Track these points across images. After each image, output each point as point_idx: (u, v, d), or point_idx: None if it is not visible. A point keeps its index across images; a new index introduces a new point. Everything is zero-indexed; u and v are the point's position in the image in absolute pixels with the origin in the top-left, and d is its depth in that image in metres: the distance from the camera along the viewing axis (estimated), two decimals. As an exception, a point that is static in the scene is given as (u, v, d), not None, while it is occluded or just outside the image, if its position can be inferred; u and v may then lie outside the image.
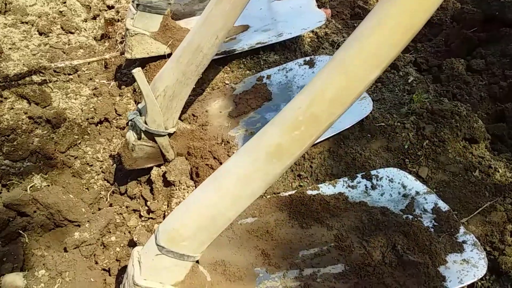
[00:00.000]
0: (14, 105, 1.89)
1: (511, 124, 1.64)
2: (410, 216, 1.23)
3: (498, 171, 1.36)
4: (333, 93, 0.83)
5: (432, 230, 1.18)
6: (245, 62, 1.82)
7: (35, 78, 2.03)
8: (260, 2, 2.12)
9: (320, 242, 1.22)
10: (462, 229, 1.17)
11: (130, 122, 1.48)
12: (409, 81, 1.69)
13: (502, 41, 1.90)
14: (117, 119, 1.97)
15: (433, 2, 0.75)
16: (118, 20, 2.65)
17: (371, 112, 1.49)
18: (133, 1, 1.81)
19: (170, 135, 1.47)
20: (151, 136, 1.43)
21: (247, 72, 1.78)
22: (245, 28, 1.97)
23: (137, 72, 1.29)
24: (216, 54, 1.81)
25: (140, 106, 1.45)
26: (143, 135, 1.44)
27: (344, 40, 1.99)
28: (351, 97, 0.84)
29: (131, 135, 1.45)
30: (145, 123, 1.40)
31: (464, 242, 1.13)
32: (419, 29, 0.79)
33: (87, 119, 1.95)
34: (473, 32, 2.00)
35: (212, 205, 0.95)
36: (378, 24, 0.78)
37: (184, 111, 1.69)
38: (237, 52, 1.79)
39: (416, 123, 1.45)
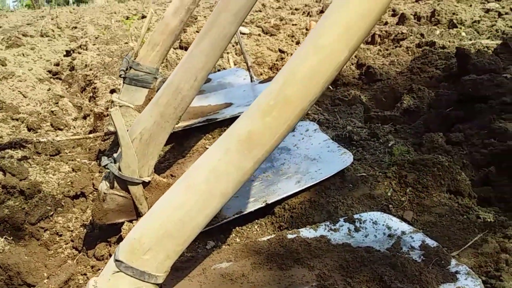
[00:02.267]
0: (-12, 175, 1.84)
1: (497, 187, 1.60)
2: (397, 253, 1.13)
3: (488, 219, 1.29)
4: (305, 73, 0.83)
5: (421, 262, 1.08)
6: (226, 130, 1.83)
7: (15, 154, 2.02)
8: (244, 86, 2.23)
9: (301, 282, 1.10)
10: (453, 261, 1.07)
11: (104, 173, 1.43)
12: (390, 145, 1.70)
13: (479, 116, 1.96)
14: (93, 193, 1.91)
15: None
16: (107, 115, 2.73)
17: (352, 165, 1.47)
18: (120, 75, 1.89)
19: (144, 185, 1.41)
20: (124, 184, 1.38)
21: (228, 138, 1.78)
22: (228, 105, 2.02)
23: (115, 111, 1.29)
24: (198, 122, 1.84)
25: (115, 154, 1.42)
26: (116, 184, 1.38)
27: (325, 118, 2.04)
28: (323, 78, 0.83)
29: (103, 185, 1.40)
30: (119, 169, 1.36)
31: (457, 272, 1.03)
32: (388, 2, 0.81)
33: (63, 192, 1.89)
34: (450, 111, 2.07)
35: (180, 206, 0.88)
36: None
37: (162, 171, 1.65)
38: (219, 119, 1.82)
39: (398, 172, 1.41)
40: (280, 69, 2.88)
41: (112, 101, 1.89)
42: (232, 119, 1.85)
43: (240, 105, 1.98)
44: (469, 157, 1.76)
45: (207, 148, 1.74)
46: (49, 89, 3.36)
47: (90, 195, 1.90)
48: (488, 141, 1.78)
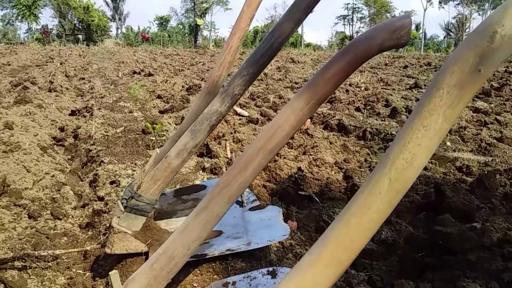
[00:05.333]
0: (-10, 288, 1.98)
1: None
2: None
3: None
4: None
5: None
6: (214, 267, 1.99)
7: (17, 263, 2.15)
8: (235, 211, 2.40)
9: None
10: None
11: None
12: (361, 299, 1.85)
13: (447, 267, 2.13)
14: (84, 312, 2.04)
15: (359, 246, 0.97)
16: (105, 212, 2.89)
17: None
18: (122, 203, 2.06)
19: (133, 335, 1.55)
20: (116, 335, 1.52)
21: (215, 276, 1.94)
22: (219, 233, 2.19)
23: (114, 274, 1.45)
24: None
25: (110, 303, 1.56)
26: (108, 333, 1.52)
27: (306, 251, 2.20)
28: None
29: (96, 332, 1.54)
30: (113, 321, 1.50)
31: None
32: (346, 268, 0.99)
33: (56, 309, 2.01)
34: (422, 257, 2.24)
35: None
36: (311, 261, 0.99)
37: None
38: (208, 257, 1.97)
39: None
40: (272, 171, 3.05)
41: (112, 227, 2.05)
42: (220, 257, 2.02)
43: (229, 236, 2.15)
44: (434, 313, 1.92)
45: (194, 286, 1.89)
46: (52, 176, 3.52)
47: (81, 314, 2.03)
48: (452, 299, 1.94)
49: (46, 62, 15.15)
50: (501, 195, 2.85)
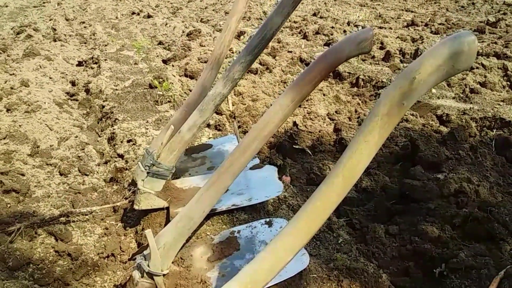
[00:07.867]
0: (44, 240, 2.47)
1: (413, 278, 2.27)
2: None
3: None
4: (265, 269, 1.46)
5: None
6: (222, 219, 2.47)
7: (62, 219, 2.65)
8: (238, 170, 2.84)
9: None
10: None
11: (136, 264, 2.07)
12: (339, 241, 2.34)
13: (411, 213, 2.61)
14: (121, 254, 2.55)
15: (323, 219, 1.42)
16: (126, 169, 3.35)
17: (308, 265, 2.11)
18: (145, 169, 2.50)
19: (164, 275, 2.06)
20: (151, 275, 2.02)
21: (223, 226, 2.42)
22: (225, 190, 2.65)
23: (148, 232, 1.92)
24: (202, 212, 2.47)
25: (145, 252, 2.05)
26: (145, 275, 2.02)
27: (298, 204, 2.67)
28: (271, 275, 1.47)
29: (136, 274, 2.04)
30: (148, 266, 2.00)
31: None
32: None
33: (98, 253, 2.52)
34: (392, 204, 2.71)
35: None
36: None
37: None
38: (217, 211, 2.45)
39: (337, 276, 2.06)
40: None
41: (138, 188, 2.51)
42: (227, 211, 2.50)
43: (234, 192, 2.61)
44: (398, 250, 2.42)
45: (208, 234, 2.39)
46: (76, 136, 3.93)
47: (118, 256, 2.54)
48: (414, 239, 2.43)
49: (43, 3, 15.06)
50: (469, 146, 3.28)
